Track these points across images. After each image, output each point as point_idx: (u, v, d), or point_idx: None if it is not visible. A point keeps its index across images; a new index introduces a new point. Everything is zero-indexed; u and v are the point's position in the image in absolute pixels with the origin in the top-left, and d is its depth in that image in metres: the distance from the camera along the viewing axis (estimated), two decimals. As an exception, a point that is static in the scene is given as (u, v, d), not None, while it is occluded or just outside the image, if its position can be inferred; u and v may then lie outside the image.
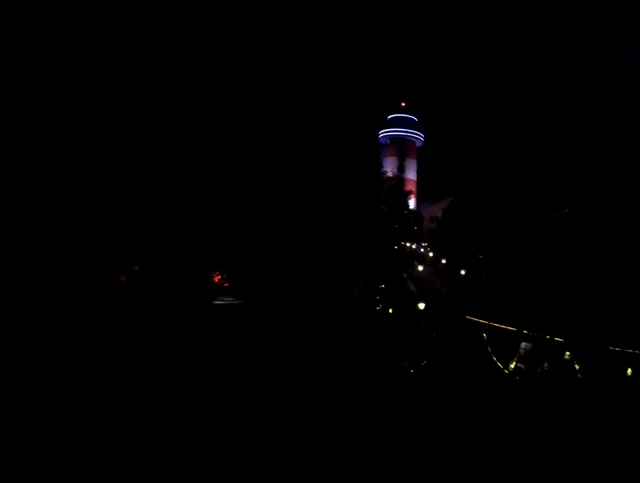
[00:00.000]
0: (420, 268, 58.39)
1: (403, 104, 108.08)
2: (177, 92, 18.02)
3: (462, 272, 49.10)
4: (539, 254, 36.03)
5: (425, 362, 26.45)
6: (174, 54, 18.76)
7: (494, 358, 29.35)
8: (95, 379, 13.19)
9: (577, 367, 25.46)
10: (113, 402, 12.08)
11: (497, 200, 46.88)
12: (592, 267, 29.88)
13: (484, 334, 33.70)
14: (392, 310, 39.31)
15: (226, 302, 22.65)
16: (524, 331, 31.10)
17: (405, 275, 52.94)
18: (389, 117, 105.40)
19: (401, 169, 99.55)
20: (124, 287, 17.84)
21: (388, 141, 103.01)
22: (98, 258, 16.60)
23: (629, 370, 23.23)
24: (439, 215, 79.10)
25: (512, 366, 27.85)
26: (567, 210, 37.90)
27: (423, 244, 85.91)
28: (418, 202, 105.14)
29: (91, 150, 16.46)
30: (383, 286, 42.29)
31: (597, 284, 29.73)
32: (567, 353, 27.19)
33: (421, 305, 37.34)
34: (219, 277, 23.05)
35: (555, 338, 29.07)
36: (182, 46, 18.94)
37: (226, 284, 23.32)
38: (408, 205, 77.78)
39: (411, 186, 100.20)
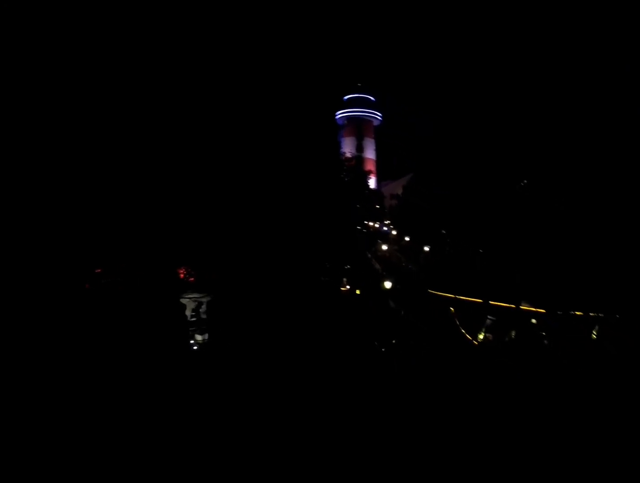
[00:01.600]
0: (385, 247, 58.54)
1: (359, 84, 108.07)
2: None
3: (426, 248, 49.46)
4: (501, 225, 36.50)
5: (394, 340, 26.56)
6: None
7: (463, 331, 29.69)
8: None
9: (543, 333, 25.92)
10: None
11: (457, 174, 47.23)
12: (554, 234, 30.37)
13: (452, 308, 34.08)
14: (359, 291, 39.37)
15: (192, 298, 22.25)
16: (490, 302, 31.53)
17: (369, 255, 53.04)
18: (346, 97, 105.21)
19: (359, 148, 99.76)
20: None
21: (345, 121, 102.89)
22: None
23: (594, 332, 23.78)
24: (400, 192, 79.59)
25: (481, 337, 28.21)
26: (525, 181, 38.42)
27: (385, 222, 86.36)
28: (378, 181, 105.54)
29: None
30: (348, 267, 42.24)
31: (558, 250, 30.25)
32: (533, 320, 27.68)
33: (387, 284, 37.36)
34: (184, 272, 22.59)
35: (521, 307, 29.55)
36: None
37: (191, 279, 22.89)
38: (368, 185, 77.95)
39: (370, 165, 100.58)
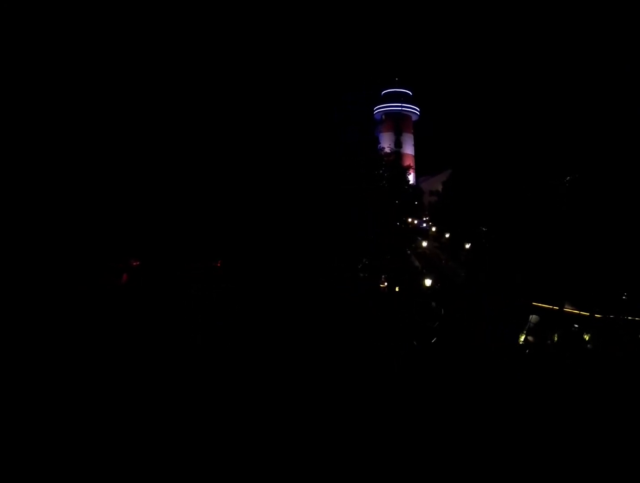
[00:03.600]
0: (424, 243, 58.17)
1: (397, 78, 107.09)
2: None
3: (467, 246, 48.96)
4: (544, 224, 35.84)
5: (435, 339, 26.49)
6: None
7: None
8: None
9: (586, 337, 25.46)
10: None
11: (498, 171, 46.51)
12: (597, 237, 29.68)
13: (494, 308, 33.76)
14: (398, 288, 39.29)
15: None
16: (533, 303, 31.09)
17: (409, 252, 52.79)
18: (383, 92, 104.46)
19: (398, 144, 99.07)
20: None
21: (383, 117, 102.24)
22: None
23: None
24: (439, 188, 78.77)
25: (522, 339, 27.90)
26: (568, 178, 37.59)
27: (424, 219, 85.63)
28: (417, 176, 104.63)
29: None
30: (386, 264, 42.21)
31: (602, 253, 29.56)
32: (576, 325, 27.20)
33: (427, 282, 37.24)
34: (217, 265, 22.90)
35: (565, 310, 29.01)
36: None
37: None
38: (408, 180, 77.40)
39: (409, 161, 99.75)
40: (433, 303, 36.23)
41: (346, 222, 32.32)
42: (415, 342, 25.44)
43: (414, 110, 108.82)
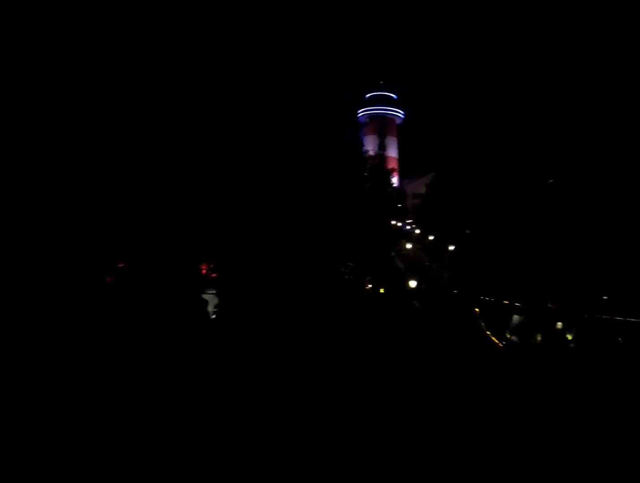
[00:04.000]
0: (408, 246, 58.49)
1: (381, 82, 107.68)
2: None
3: (451, 248, 49.38)
4: (528, 225, 36.32)
5: (419, 339, 26.74)
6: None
7: (488, 333, 29.72)
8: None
9: (569, 337, 25.81)
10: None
11: (480, 174, 47.04)
12: (582, 237, 30.17)
13: (477, 309, 34.11)
14: (383, 290, 39.51)
15: (214, 294, 22.45)
16: (516, 304, 31.47)
17: (393, 254, 53.09)
18: (367, 95, 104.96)
19: (382, 147, 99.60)
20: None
21: (367, 120, 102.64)
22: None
23: (619, 339, 23.60)
24: (423, 191, 79.33)
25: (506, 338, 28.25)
26: (550, 180, 38.13)
27: (408, 221, 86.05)
28: (400, 179, 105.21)
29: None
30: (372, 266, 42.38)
31: (586, 254, 30.03)
32: (559, 324, 27.55)
33: (412, 283, 37.51)
34: (206, 268, 22.75)
35: (547, 309, 29.40)
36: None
37: (214, 275, 23.04)
38: (391, 183, 77.80)
39: (393, 163, 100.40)
40: (416, 303, 36.53)
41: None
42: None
43: (398, 113, 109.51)
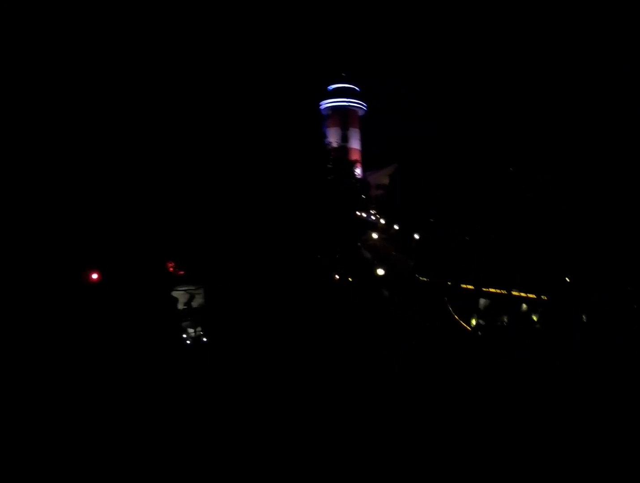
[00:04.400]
0: (375, 235, 59.11)
1: (344, 74, 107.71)
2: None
3: (416, 236, 50.18)
4: (491, 212, 37.25)
5: (389, 325, 27.28)
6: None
7: (456, 317, 30.53)
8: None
9: (535, 318, 26.83)
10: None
11: (444, 163, 47.86)
12: (541, 222, 31.22)
13: (444, 295, 34.90)
14: (352, 279, 39.96)
15: (185, 291, 22.38)
16: (482, 289, 32.39)
17: (359, 244, 53.53)
18: (330, 87, 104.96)
19: (345, 138, 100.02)
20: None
21: (330, 112, 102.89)
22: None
23: (584, 317, 24.72)
24: (385, 182, 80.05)
25: (474, 322, 29.08)
26: (512, 169, 39.18)
27: (372, 212, 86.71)
28: (363, 171, 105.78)
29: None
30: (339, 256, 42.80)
31: (545, 239, 31.08)
32: (524, 306, 28.58)
33: (380, 271, 38.10)
34: (173, 265, 22.61)
35: (513, 293, 30.39)
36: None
37: (181, 273, 22.93)
38: (355, 175, 78.24)
39: (356, 155, 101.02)
40: (385, 292, 37.11)
41: (296, 216, 32.66)
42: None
43: (360, 105, 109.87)
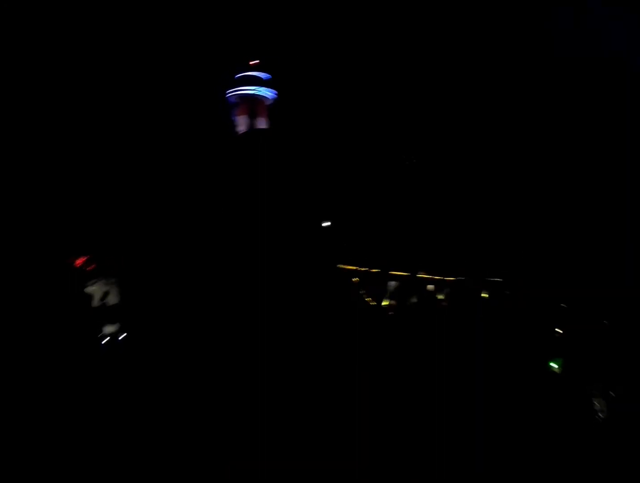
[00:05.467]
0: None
1: (252, 62, 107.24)
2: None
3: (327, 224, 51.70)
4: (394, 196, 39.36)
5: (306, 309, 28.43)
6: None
7: (368, 299, 32.28)
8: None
9: (440, 297, 29.11)
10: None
11: (352, 150, 49.60)
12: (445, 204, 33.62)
13: (355, 278, 36.64)
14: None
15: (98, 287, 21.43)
16: (390, 272, 34.41)
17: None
18: (237, 75, 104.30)
19: (251, 126, 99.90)
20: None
21: (238, 100, 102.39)
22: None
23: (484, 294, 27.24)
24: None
25: (385, 303, 30.97)
26: (414, 160, 41.58)
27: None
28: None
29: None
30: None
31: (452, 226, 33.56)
32: (430, 286, 30.84)
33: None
34: (82, 260, 21.66)
35: (419, 275, 32.64)
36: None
37: (91, 268, 21.99)
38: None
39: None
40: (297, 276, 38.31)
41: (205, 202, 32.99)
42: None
43: (268, 94, 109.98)
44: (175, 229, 24.98)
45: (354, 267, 38.31)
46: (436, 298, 29.26)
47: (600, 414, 12.66)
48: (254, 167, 43.93)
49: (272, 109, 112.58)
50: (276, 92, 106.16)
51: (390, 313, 29.19)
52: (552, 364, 15.25)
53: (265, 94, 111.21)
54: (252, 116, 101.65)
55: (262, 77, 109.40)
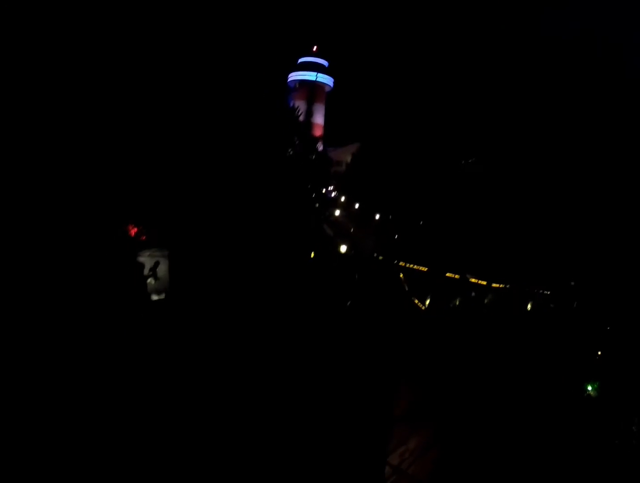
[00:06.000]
0: (337, 212, 60.47)
1: (315, 48, 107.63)
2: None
3: (377, 216, 52.04)
4: (448, 197, 39.32)
5: (350, 302, 28.87)
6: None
7: (412, 297, 32.51)
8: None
9: (486, 301, 29.11)
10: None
11: (407, 147, 49.63)
12: (497, 209, 33.45)
13: (402, 275, 36.83)
14: (314, 254, 41.33)
15: (150, 256, 21.96)
16: (437, 271, 34.51)
17: (322, 219, 54.70)
18: (299, 60, 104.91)
19: (309, 113, 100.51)
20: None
21: (297, 85, 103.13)
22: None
23: (529, 306, 27.11)
24: (346, 159, 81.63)
25: (428, 303, 31.16)
26: (473, 159, 41.32)
27: (330, 188, 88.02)
28: (325, 147, 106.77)
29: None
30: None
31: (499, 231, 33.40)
32: (473, 293, 30.86)
33: (342, 248, 39.55)
34: (135, 229, 22.16)
35: (467, 278, 32.63)
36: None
37: (143, 238, 22.46)
38: (318, 151, 79.09)
39: (319, 131, 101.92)
40: (345, 265, 38.65)
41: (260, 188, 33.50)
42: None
43: (328, 81, 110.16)
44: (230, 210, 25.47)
45: (402, 263, 38.55)
46: (482, 302, 29.25)
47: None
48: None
49: (330, 96, 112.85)
50: (334, 80, 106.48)
51: (433, 314, 29.40)
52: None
53: (325, 80, 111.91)
54: (310, 102, 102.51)
55: (324, 63, 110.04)
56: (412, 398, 14.91)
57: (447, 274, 33.82)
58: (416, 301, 31.49)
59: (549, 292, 27.80)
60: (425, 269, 36.08)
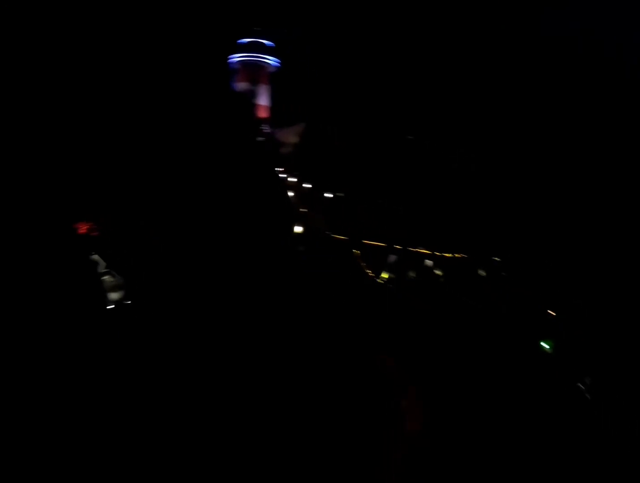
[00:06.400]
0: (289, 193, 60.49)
1: (257, 28, 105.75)
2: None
3: (328, 195, 52.47)
4: (397, 173, 40.10)
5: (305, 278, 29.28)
6: None
7: (368, 271, 33.25)
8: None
9: (439, 273, 30.10)
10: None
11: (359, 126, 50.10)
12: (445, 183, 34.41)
13: (356, 251, 37.54)
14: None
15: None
16: (393, 245, 35.36)
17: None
18: (240, 41, 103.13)
19: (252, 95, 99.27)
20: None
21: (240, 67, 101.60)
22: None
23: (481, 272, 28.26)
24: (292, 140, 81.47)
25: (384, 276, 31.96)
26: (411, 137, 42.23)
27: (278, 168, 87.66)
28: (271, 128, 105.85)
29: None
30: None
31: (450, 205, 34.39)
32: (429, 261, 31.81)
33: (298, 229, 39.83)
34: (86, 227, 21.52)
35: (419, 250, 33.61)
36: None
37: (95, 234, 21.82)
38: (263, 131, 78.56)
39: (264, 112, 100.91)
40: (301, 248, 39.02)
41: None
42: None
43: (271, 61, 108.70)
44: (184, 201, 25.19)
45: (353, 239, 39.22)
46: (434, 273, 30.22)
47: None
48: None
49: (275, 77, 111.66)
50: (279, 61, 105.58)
51: (389, 286, 30.18)
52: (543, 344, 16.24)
53: (268, 61, 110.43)
54: (254, 83, 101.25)
55: (266, 44, 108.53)
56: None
57: (401, 247, 34.70)
58: (372, 274, 32.24)
59: (499, 259, 28.99)
60: (382, 244, 36.88)
